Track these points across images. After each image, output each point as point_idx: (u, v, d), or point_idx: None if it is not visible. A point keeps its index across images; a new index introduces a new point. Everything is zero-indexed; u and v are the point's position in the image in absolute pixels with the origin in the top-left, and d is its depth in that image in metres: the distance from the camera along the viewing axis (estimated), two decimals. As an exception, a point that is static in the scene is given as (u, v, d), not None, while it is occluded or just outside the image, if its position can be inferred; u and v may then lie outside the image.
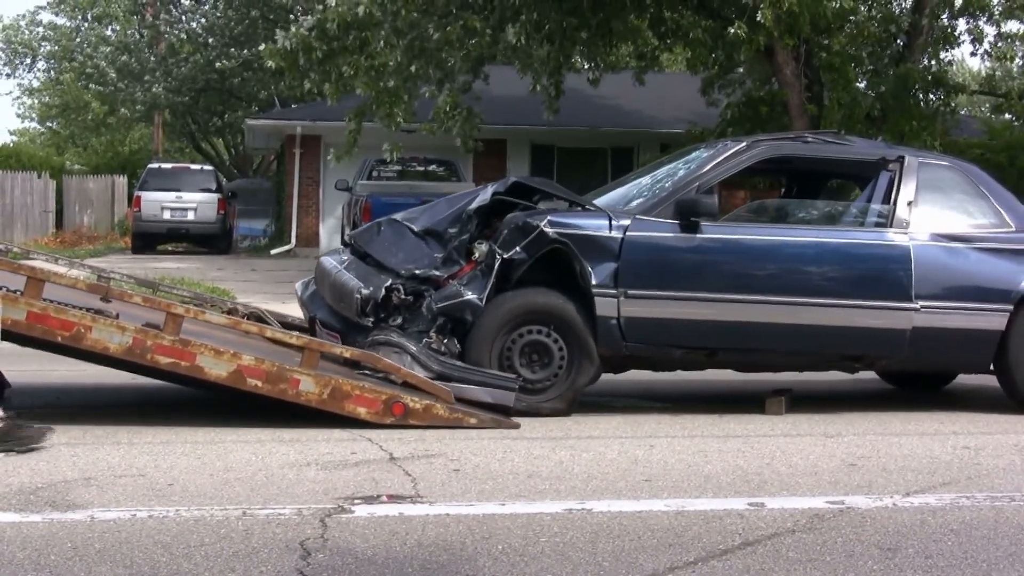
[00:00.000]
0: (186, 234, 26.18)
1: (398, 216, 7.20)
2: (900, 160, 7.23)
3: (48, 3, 38.56)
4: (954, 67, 18.97)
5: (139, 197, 25.62)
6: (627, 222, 6.62)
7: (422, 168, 20.51)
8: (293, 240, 24.68)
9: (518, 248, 6.45)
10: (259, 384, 5.68)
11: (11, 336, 5.73)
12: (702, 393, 8.06)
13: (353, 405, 5.80)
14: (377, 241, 6.99)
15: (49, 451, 5.10)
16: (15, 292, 5.51)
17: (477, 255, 6.63)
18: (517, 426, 6.07)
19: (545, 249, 6.49)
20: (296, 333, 6.48)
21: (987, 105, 30.40)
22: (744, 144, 7.23)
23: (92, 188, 32.61)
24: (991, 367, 7.13)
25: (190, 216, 25.56)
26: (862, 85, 16.91)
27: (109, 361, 5.92)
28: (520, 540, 3.83)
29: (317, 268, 7.43)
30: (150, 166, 27.80)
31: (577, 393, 6.58)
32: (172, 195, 25.41)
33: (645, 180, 7.56)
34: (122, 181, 32.95)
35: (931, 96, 17.21)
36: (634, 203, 6.96)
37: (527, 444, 5.63)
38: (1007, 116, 20.57)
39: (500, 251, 6.45)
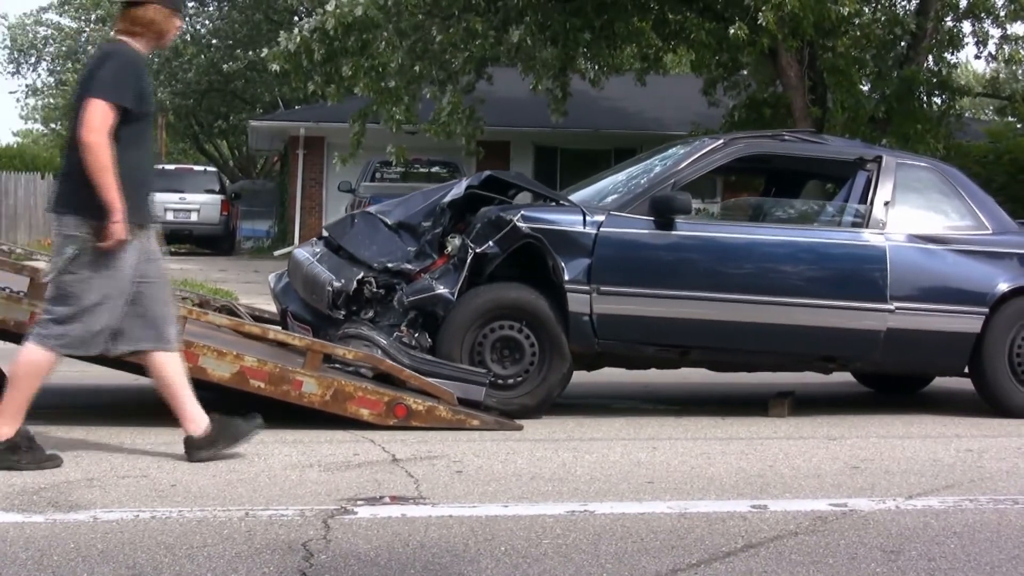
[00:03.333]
0: (189, 235, 26.22)
1: (372, 209, 7.17)
2: (878, 160, 7.21)
3: (52, 4, 38.63)
4: (958, 69, 18.94)
5: (142, 198, 25.60)
6: (601, 218, 6.57)
7: (425, 170, 20.54)
8: (296, 241, 24.66)
9: (491, 242, 6.41)
10: (262, 385, 5.68)
11: (14, 337, 5.73)
12: (705, 395, 8.06)
13: (356, 407, 5.80)
14: (350, 234, 6.95)
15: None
16: (19, 293, 5.51)
17: (450, 249, 6.55)
18: (520, 428, 6.06)
19: (518, 244, 6.44)
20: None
21: (991, 108, 30.41)
22: (721, 141, 7.19)
23: (96, 189, 32.58)
24: (966, 370, 7.12)
25: (193, 217, 25.60)
26: (866, 88, 16.89)
27: (112, 362, 5.91)
28: (523, 542, 3.83)
29: (290, 260, 7.40)
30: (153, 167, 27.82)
31: (549, 390, 6.49)
32: (175, 196, 25.45)
33: (621, 176, 7.49)
34: (126, 182, 32.93)
35: (936, 99, 17.19)
36: (609, 199, 6.90)
37: (530, 446, 5.63)
38: (1010, 119, 20.54)
39: (473, 245, 6.41)
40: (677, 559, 3.68)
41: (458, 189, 6.78)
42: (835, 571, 3.61)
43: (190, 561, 3.51)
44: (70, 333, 4.77)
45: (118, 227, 4.69)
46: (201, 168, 28.90)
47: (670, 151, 7.46)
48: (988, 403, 7.10)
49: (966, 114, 23.37)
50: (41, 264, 6.89)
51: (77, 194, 4.72)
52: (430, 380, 6.04)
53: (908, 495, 4.71)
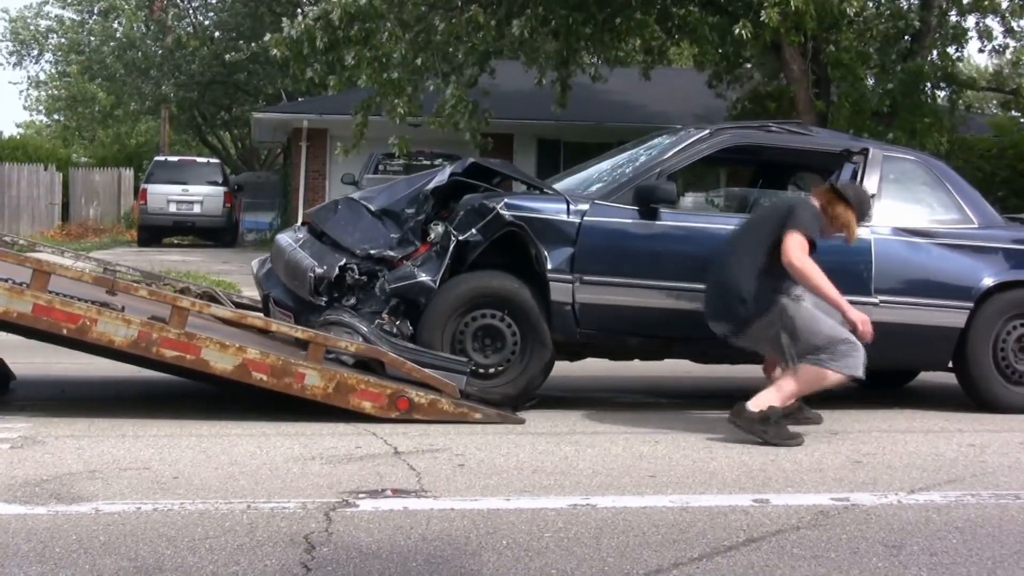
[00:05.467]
0: (192, 227, 26.20)
1: (356, 195, 7.13)
2: (864, 152, 7.15)
3: (54, -2, 38.65)
4: (962, 64, 18.89)
5: (145, 190, 25.66)
6: (585, 207, 6.51)
7: (428, 162, 20.51)
8: (299, 234, 24.63)
9: (474, 230, 6.36)
10: (264, 378, 5.68)
11: (16, 328, 5.74)
12: (708, 390, 8.05)
13: (358, 399, 5.80)
14: (333, 220, 6.90)
15: (54, 444, 5.11)
16: (21, 284, 5.51)
17: (433, 236, 6.50)
18: (522, 421, 6.06)
19: (501, 232, 6.39)
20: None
21: (994, 102, 30.35)
22: (707, 132, 7.11)
23: (98, 181, 32.65)
24: (950, 364, 7.10)
25: (196, 209, 25.58)
26: (870, 83, 16.85)
27: (114, 354, 5.92)
28: (524, 535, 3.83)
29: (273, 246, 7.36)
30: (156, 159, 27.84)
31: (531, 379, 6.45)
32: (178, 188, 25.45)
33: (606, 165, 7.42)
34: (128, 174, 32.99)
35: (940, 92, 17.16)
36: (593, 188, 6.85)
37: (532, 439, 5.63)
38: (1014, 112, 20.51)
39: (455, 233, 6.36)
40: (679, 553, 3.68)
41: (441, 176, 6.72)
42: (837, 565, 3.61)
43: (192, 553, 3.51)
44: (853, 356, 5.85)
45: (861, 322, 5.84)
46: (204, 160, 28.87)
47: (656, 141, 7.40)
48: (972, 398, 7.10)
49: (971, 108, 23.32)
50: (44, 256, 6.90)
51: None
52: (431, 372, 6.03)
53: (910, 490, 4.71)
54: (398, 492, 4.41)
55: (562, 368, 7.44)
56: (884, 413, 6.90)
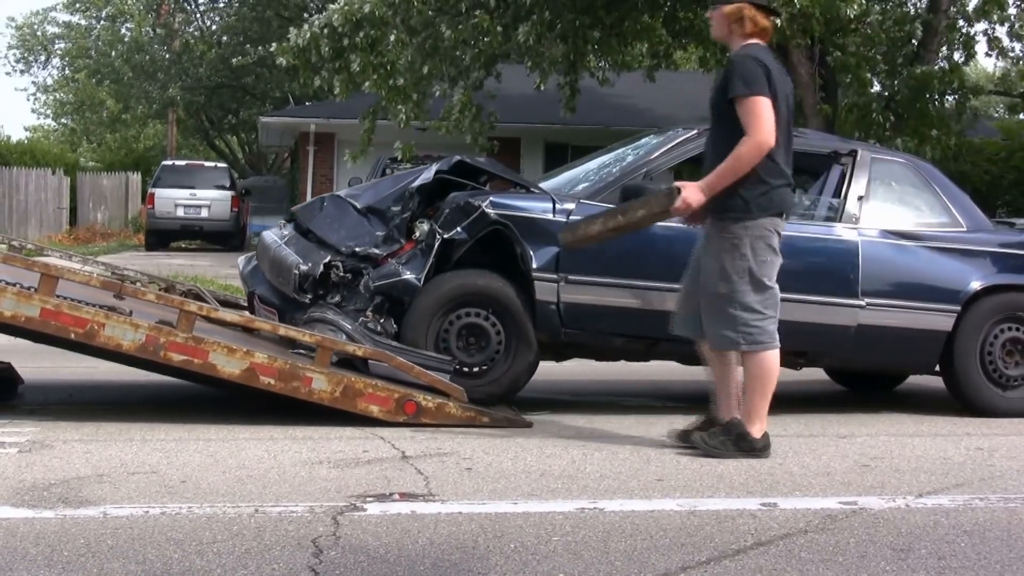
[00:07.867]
0: (200, 231, 26.28)
1: (342, 192, 7.13)
2: (852, 154, 7.12)
3: (63, 3, 38.74)
4: (968, 68, 18.82)
5: (153, 194, 25.74)
6: (571, 206, 6.48)
7: (435, 166, 20.52)
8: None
9: (459, 228, 6.34)
10: (272, 382, 5.68)
11: (24, 332, 5.75)
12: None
13: (366, 403, 5.80)
14: (319, 217, 6.89)
15: (62, 447, 5.12)
16: (29, 289, 5.52)
17: (418, 234, 6.49)
18: (530, 425, 6.06)
19: (486, 230, 6.37)
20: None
21: (1001, 106, 30.31)
22: (695, 132, 7.06)
23: (106, 185, 32.73)
24: (936, 368, 7.08)
25: (204, 213, 25.65)
26: (875, 89, 16.80)
27: (122, 358, 5.93)
28: (532, 539, 3.83)
29: (259, 243, 7.36)
30: (164, 163, 27.92)
31: (515, 379, 6.44)
32: (186, 192, 25.52)
33: (593, 165, 7.40)
34: (136, 178, 33.09)
35: (948, 97, 17.10)
36: (580, 187, 6.83)
37: (539, 443, 5.62)
38: (1022, 116, 20.47)
39: (440, 231, 6.34)
40: (687, 557, 3.68)
41: (427, 174, 6.71)
42: (845, 569, 3.60)
43: (200, 557, 3.52)
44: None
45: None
46: (212, 164, 28.95)
47: (643, 141, 7.39)
48: (959, 401, 7.08)
49: (979, 114, 23.26)
50: (52, 260, 6.91)
51: None
52: (437, 376, 6.02)
53: (918, 493, 4.70)
54: (406, 496, 4.42)
55: (567, 371, 7.45)
56: (891, 417, 6.89)
